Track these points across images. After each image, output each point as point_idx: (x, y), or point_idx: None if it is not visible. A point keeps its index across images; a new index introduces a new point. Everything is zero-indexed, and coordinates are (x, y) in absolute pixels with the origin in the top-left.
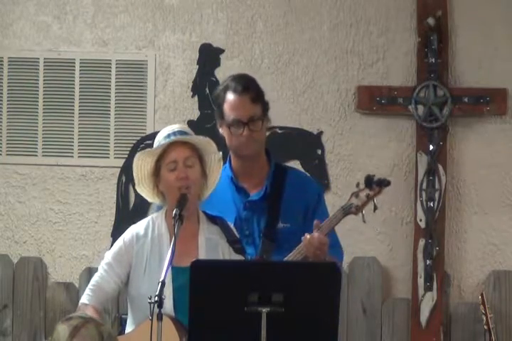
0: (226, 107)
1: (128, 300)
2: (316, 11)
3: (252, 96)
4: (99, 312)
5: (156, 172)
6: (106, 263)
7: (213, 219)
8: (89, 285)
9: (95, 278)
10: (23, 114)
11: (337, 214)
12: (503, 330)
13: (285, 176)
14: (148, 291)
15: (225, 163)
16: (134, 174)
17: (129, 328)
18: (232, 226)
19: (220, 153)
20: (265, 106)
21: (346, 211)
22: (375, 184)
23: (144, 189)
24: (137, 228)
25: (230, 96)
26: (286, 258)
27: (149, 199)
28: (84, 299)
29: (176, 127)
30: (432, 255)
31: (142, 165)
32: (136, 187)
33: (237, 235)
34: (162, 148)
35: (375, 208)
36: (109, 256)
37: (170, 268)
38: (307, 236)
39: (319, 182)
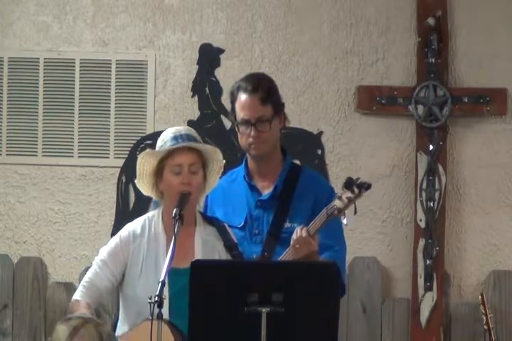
0: (237, 106)
1: (121, 299)
2: (316, 11)
3: (261, 96)
4: (92, 309)
5: (158, 172)
6: (100, 260)
7: (210, 221)
8: (83, 282)
9: (89, 274)
10: (23, 114)
11: (321, 216)
12: (503, 330)
13: (298, 176)
14: (144, 292)
15: (241, 163)
16: (137, 171)
17: (120, 327)
18: (229, 228)
19: (224, 161)
20: (277, 107)
21: (329, 213)
22: (355, 186)
23: (144, 185)
24: (134, 226)
25: (241, 96)
26: (282, 255)
27: (145, 193)
28: (76, 295)
29: (183, 129)
30: (432, 255)
31: (145, 163)
32: (136, 182)
33: (235, 240)
34: (168, 150)
35: (355, 211)
36: (104, 252)
37: (166, 262)
38: (299, 227)
39: None
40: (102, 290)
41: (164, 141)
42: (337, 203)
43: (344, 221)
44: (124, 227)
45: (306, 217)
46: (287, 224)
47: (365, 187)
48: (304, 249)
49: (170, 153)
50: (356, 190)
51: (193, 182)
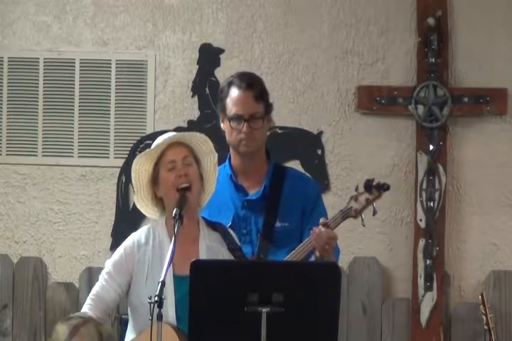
0: (229, 102)
1: (129, 308)
2: (316, 11)
3: (255, 94)
4: (102, 320)
5: (155, 178)
6: (106, 273)
7: (213, 226)
8: (90, 295)
9: (96, 287)
10: (23, 114)
11: (336, 217)
12: (503, 330)
13: (284, 176)
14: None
15: (224, 161)
16: (133, 182)
17: (129, 335)
18: (232, 232)
19: (216, 154)
20: (268, 107)
21: (345, 214)
22: (374, 188)
23: (144, 199)
24: (137, 236)
25: (234, 92)
26: (292, 252)
27: (148, 214)
28: (85, 308)
29: (170, 133)
30: (432, 255)
31: (140, 171)
32: (135, 198)
33: (238, 243)
34: (160, 149)
35: (375, 212)
36: (109, 265)
37: (170, 268)
38: (316, 230)
39: (319, 182)
40: (109, 302)
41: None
42: (353, 204)
43: (362, 222)
44: (128, 237)
45: (296, 215)
46: (278, 224)
47: (384, 188)
48: (331, 247)
49: (161, 154)
50: (375, 192)
51: (189, 172)
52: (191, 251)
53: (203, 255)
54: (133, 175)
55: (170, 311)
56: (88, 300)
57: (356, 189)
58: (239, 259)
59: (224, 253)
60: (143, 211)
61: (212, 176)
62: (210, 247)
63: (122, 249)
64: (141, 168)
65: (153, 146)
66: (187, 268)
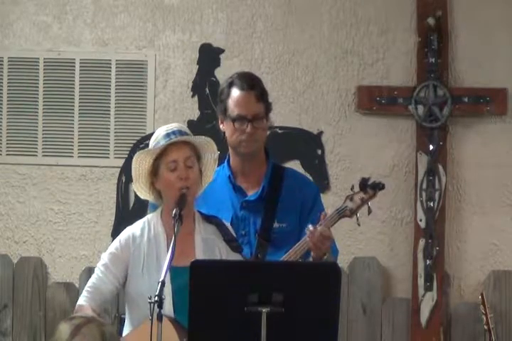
0: (230, 103)
1: (126, 301)
2: (316, 11)
3: (257, 94)
4: (97, 312)
5: (154, 171)
6: (102, 265)
7: (209, 219)
8: (86, 287)
9: (92, 279)
10: (23, 114)
11: (332, 216)
12: (503, 330)
13: (282, 176)
14: (147, 291)
15: (223, 162)
16: (132, 172)
17: (127, 328)
18: (228, 225)
19: (218, 153)
20: (268, 107)
21: (341, 214)
22: (369, 187)
23: (141, 188)
24: (133, 229)
25: (236, 93)
26: (289, 252)
27: (142, 197)
28: (81, 300)
29: (174, 126)
30: (432, 255)
31: (140, 163)
32: (133, 185)
33: (234, 234)
34: (162, 147)
35: (370, 212)
36: (105, 257)
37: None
38: (310, 227)
39: (319, 182)
40: (106, 293)
41: (157, 140)
42: (349, 204)
43: (357, 221)
44: (124, 230)
45: (295, 216)
46: (276, 225)
47: (379, 187)
48: (325, 246)
49: (164, 151)
50: (371, 191)
51: (190, 176)
52: (187, 243)
53: (199, 248)
54: (132, 166)
55: (167, 302)
56: (84, 292)
57: (352, 188)
58: (239, 259)
59: (220, 245)
60: (139, 194)
61: (211, 169)
62: (206, 240)
63: (118, 242)
64: (141, 160)
65: (153, 141)
66: (182, 260)
